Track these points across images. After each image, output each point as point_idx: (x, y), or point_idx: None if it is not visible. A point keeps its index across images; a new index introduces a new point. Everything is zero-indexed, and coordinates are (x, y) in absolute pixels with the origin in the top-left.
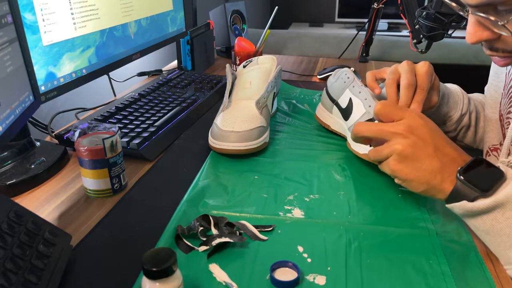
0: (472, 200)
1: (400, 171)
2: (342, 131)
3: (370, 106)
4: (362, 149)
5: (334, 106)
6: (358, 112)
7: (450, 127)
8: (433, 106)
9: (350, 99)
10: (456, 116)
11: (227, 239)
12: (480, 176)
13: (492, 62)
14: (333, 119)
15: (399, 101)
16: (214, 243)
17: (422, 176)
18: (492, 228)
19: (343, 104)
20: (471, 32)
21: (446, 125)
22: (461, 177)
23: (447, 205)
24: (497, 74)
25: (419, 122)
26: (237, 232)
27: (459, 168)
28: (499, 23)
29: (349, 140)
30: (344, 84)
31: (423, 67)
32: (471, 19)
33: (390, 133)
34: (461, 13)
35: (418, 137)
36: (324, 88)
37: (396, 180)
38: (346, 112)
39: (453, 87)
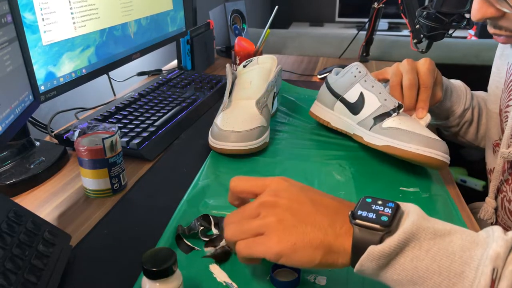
0: (378, 242)
1: (285, 245)
2: (344, 128)
3: (386, 100)
4: (378, 141)
5: (338, 102)
6: (372, 106)
7: (453, 122)
8: (437, 101)
9: (361, 93)
10: (459, 111)
11: None
12: (374, 211)
13: (494, 60)
14: (334, 116)
15: (404, 103)
16: (221, 243)
17: (313, 238)
18: (417, 272)
19: (352, 99)
20: (476, 8)
21: (449, 119)
22: (356, 221)
23: (355, 270)
24: (499, 70)
25: (284, 184)
26: None
27: (349, 213)
28: None
29: (360, 134)
30: (354, 78)
31: (424, 64)
32: None
33: (255, 208)
34: None
35: (289, 199)
36: (324, 85)
37: (282, 260)
38: (355, 107)
39: (456, 82)
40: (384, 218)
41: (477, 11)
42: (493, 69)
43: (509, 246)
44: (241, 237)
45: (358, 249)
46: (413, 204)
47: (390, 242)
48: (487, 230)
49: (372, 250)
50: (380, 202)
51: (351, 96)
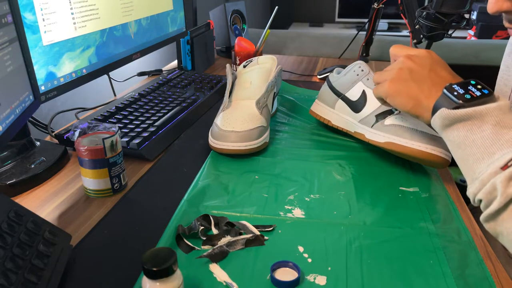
0: (452, 109)
1: (392, 88)
2: (344, 126)
3: None
4: (380, 138)
5: (339, 101)
6: (374, 104)
7: None
8: None
9: (364, 92)
10: None
11: (228, 238)
12: (466, 90)
13: (503, 57)
14: (335, 114)
15: None
16: (219, 243)
17: (411, 91)
18: (465, 140)
19: (353, 97)
20: (493, 1)
21: None
22: (445, 88)
23: (431, 123)
24: (508, 68)
25: (421, 52)
26: (238, 232)
27: (447, 84)
28: None
29: (362, 131)
30: (356, 77)
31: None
32: None
33: (394, 58)
34: None
35: (416, 63)
36: (325, 84)
37: (388, 100)
38: (357, 105)
39: None
40: (467, 96)
41: (493, 4)
42: (501, 67)
43: None
44: (378, 81)
45: (435, 110)
46: (505, 100)
47: (459, 111)
48: None
49: (442, 111)
50: (479, 86)
51: (353, 94)
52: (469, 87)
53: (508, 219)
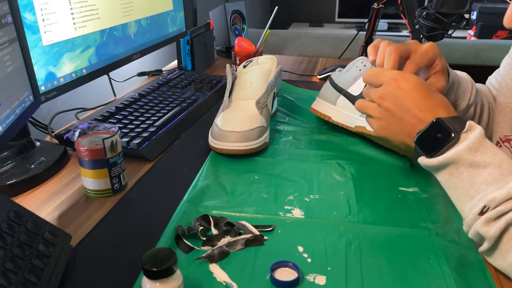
0: (428, 157)
1: (379, 131)
2: (345, 122)
3: None
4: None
5: (341, 97)
6: None
7: None
8: (440, 91)
9: (366, 86)
10: (463, 106)
11: (228, 238)
12: (432, 139)
13: (510, 51)
14: (336, 111)
15: (384, 66)
16: (219, 243)
17: (396, 135)
18: (449, 183)
19: (355, 92)
20: (510, 16)
21: None
22: (415, 140)
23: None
24: None
25: (390, 89)
26: (237, 232)
27: (417, 132)
28: None
29: (363, 124)
30: (359, 72)
31: (425, 45)
32: None
33: (369, 101)
34: None
35: (386, 109)
36: (327, 82)
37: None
38: (358, 100)
39: (462, 75)
40: (436, 147)
41: (509, 19)
42: (508, 60)
43: (509, 196)
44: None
45: (417, 154)
46: (474, 133)
47: (433, 160)
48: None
49: (421, 161)
50: (445, 127)
51: (355, 90)
52: (437, 135)
53: (500, 256)
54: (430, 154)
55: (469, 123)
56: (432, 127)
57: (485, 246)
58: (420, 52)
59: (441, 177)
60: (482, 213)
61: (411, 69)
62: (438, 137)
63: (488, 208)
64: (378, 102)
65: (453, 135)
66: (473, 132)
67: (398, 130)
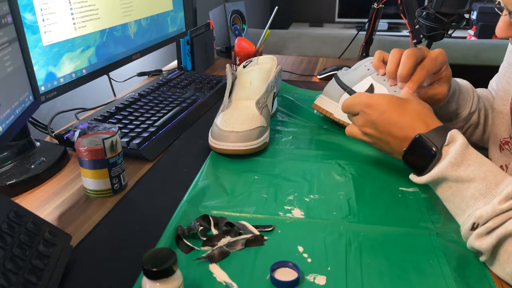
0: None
1: (378, 150)
2: (346, 120)
3: (395, 91)
4: None
5: (345, 94)
6: None
7: (457, 125)
8: (441, 98)
9: (372, 85)
10: (464, 114)
11: (228, 238)
12: (417, 156)
13: (506, 54)
14: (338, 108)
15: (398, 71)
16: (219, 243)
17: (393, 155)
18: (443, 196)
19: (361, 90)
20: (502, 28)
21: (452, 122)
22: (402, 159)
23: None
24: (511, 65)
25: (367, 117)
26: (237, 232)
27: (403, 151)
28: None
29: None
30: (367, 71)
31: (434, 52)
32: (504, 18)
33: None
34: (497, 9)
35: (371, 135)
36: (333, 80)
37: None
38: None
39: (463, 83)
40: (420, 165)
41: (502, 30)
42: (504, 64)
43: (494, 213)
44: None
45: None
46: (455, 147)
47: (423, 178)
48: (501, 190)
49: (412, 178)
50: (428, 144)
51: (360, 88)
52: (421, 151)
53: (498, 267)
54: (418, 172)
55: (450, 134)
56: (413, 145)
57: (483, 257)
58: (430, 58)
59: (436, 190)
60: (473, 228)
61: (422, 75)
62: (422, 153)
63: (478, 224)
64: (361, 130)
65: (434, 150)
66: (454, 145)
67: (390, 151)
